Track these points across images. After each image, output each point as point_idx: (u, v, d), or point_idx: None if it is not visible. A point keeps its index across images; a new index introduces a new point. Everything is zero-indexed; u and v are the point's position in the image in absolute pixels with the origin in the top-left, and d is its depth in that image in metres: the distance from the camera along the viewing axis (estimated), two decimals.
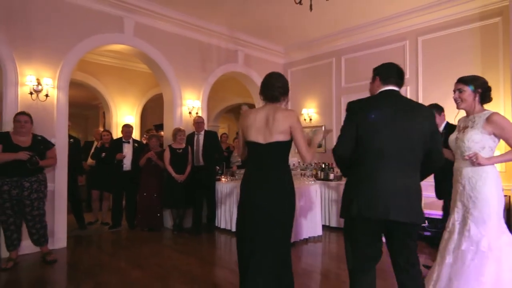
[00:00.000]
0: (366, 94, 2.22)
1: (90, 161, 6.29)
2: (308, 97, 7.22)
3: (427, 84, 5.50)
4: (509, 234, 2.31)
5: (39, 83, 4.37)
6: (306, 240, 4.96)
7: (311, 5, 3.61)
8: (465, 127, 2.44)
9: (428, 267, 3.16)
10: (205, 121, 6.01)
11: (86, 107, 11.38)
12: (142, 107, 8.46)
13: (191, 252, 4.40)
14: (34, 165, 3.73)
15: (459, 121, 2.63)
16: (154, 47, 5.61)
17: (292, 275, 2.38)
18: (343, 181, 3.56)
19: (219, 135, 7.92)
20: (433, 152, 1.98)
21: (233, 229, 5.32)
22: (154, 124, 9.75)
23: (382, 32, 5.96)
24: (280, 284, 2.30)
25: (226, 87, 8.46)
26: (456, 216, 2.44)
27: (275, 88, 2.39)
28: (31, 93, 4.32)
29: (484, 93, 2.41)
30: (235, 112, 10.28)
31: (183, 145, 5.51)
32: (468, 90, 2.40)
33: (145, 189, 5.62)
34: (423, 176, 2.03)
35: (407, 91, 5.65)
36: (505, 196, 2.42)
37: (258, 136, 2.33)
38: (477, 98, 2.41)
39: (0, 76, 4.32)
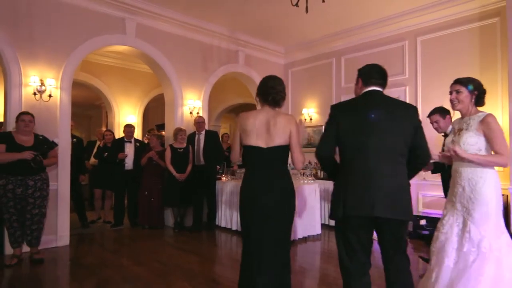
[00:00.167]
0: None
1: (92, 160, 6.39)
2: (308, 97, 7.27)
3: (426, 84, 5.53)
4: (508, 234, 2.31)
5: (43, 84, 4.44)
6: (305, 239, 5.02)
7: (307, 7, 3.64)
8: (460, 130, 2.43)
9: (426, 260, 3.17)
10: (207, 121, 6.08)
11: (89, 107, 11.46)
12: (144, 107, 8.53)
13: (192, 250, 4.47)
14: (38, 164, 3.81)
15: (453, 123, 2.63)
16: (156, 48, 5.67)
17: (290, 274, 2.42)
18: None
19: (220, 135, 8.00)
20: (418, 148, 2.00)
21: (234, 228, 5.39)
22: (156, 124, 9.81)
23: (382, 32, 6.01)
24: (280, 283, 2.34)
25: (227, 87, 8.51)
26: (455, 217, 2.41)
27: (277, 92, 2.40)
28: (34, 94, 4.39)
29: (479, 95, 2.42)
30: (236, 112, 10.31)
31: (184, 145, 5.58)
32: (465, 91, 2.39)
33: (146, 188, 5.70)
34: (411, 175, 2.06)
35: (406, 91, 5.69)
36: (502, 195, 2.43)
37: (258, 141, 2.35)
38: (473, 100, 2.41)
39: (3, 76, 4.40)
